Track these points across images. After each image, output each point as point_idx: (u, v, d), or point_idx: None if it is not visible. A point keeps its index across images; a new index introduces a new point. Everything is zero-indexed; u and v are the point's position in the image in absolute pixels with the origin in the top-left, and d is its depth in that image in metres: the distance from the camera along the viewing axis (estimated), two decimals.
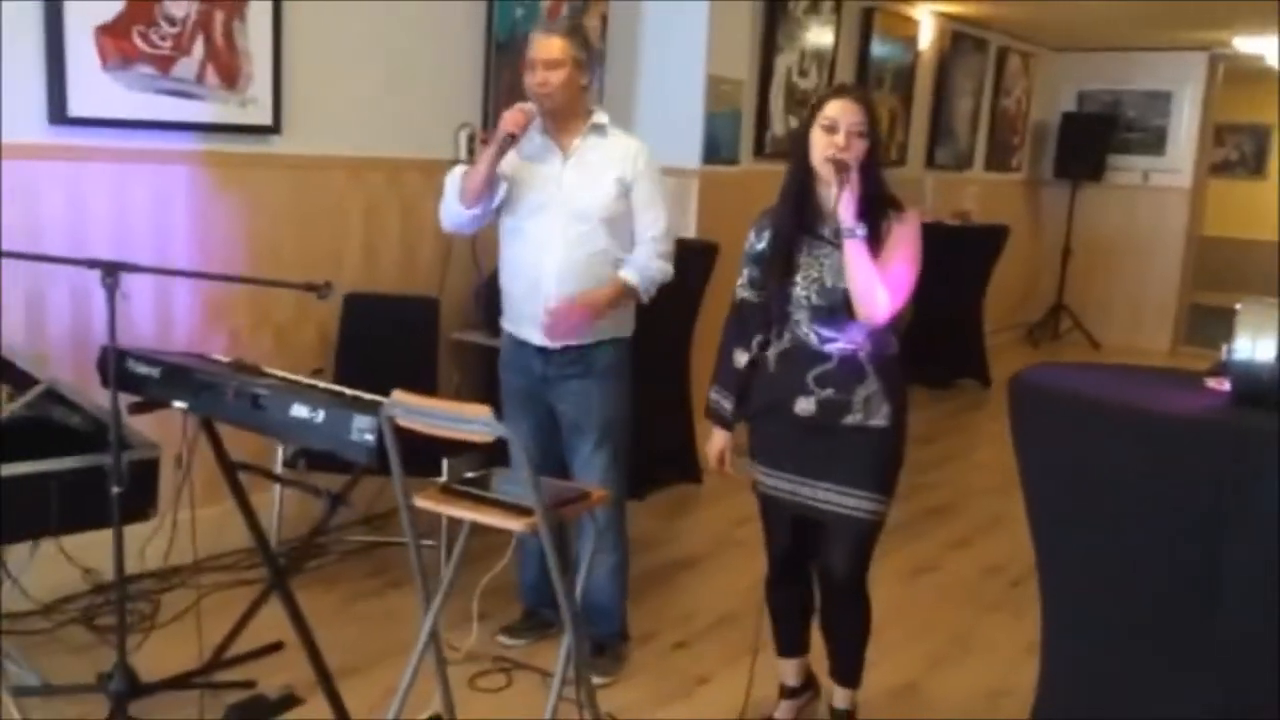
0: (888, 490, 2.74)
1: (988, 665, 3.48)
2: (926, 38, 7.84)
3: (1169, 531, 1.99)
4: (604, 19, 5.17)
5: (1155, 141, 9.54)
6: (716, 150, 5.42)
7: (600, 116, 3.25)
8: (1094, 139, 9.46)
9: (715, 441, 2.92)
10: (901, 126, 7.74)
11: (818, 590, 2.91)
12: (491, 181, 3.14)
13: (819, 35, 6.58)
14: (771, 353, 2.79)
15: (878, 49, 7.26)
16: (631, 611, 3.47)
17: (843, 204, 2.58)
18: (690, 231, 5.27)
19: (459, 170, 3.24)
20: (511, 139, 3.07)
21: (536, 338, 3.22)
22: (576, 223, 3.17)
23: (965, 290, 7.80)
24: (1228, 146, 11.91)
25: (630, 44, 5.37)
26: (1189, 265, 9.71)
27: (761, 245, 2.79)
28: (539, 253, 3.19)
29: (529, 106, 3.14)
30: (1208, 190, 10.03)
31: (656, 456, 4.88)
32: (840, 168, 2.59)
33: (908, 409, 2.77)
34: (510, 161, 3.19)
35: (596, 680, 3.07)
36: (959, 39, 8.27)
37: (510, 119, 3.09)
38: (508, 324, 3.35)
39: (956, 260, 7.67)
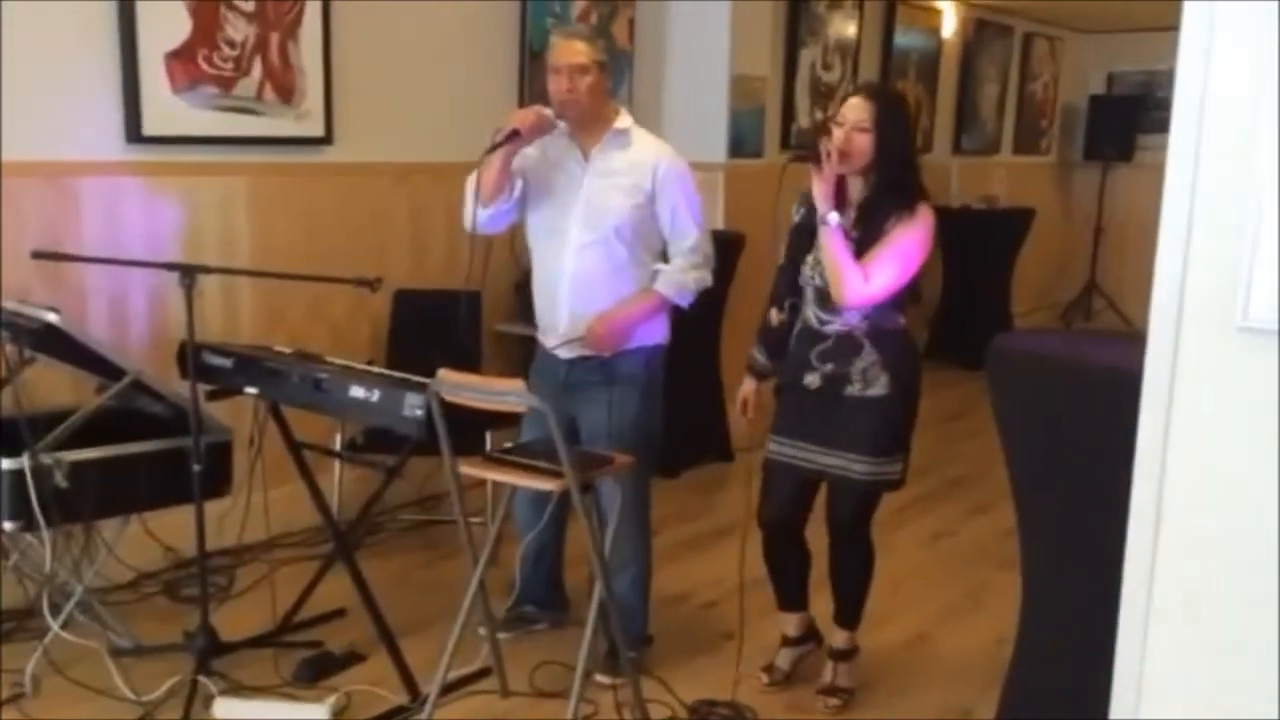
0: (890, 452, 2.98)
1: (996, 617, 3.69)
2: (950, 26, 8.01)
3: (1116, 482, 2.18)
4: (631, 22, 5.45)
5: None
6: (741, 145, 5.68)
7: (623, 121, 3.12)
8: (1123, 120, 9.52)
9: (744, 388, 3.19)
10: (927, 114, 7.92)
11: (829, 541, 3.15)
12: (504, 179, 3.05)
13: (842, 28, 6.80)
14: (794, 332, 3.07)
15: (901, 39, 7.45)
16: (667, 575, 3.73)
17: (814, 193, 2.84)
18: (718, 223, 5.54)
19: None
20: (516, 134, 2.95)
21: (560, 347, 3.20)
22: (590, 232, 3.08)
23: (992, 272, 7.97)
24: None
25: (657, 46, 5.64)
26: None
27: (797, 219, 3.07)
28: (555, 261, 3.14)
29: (547, 112, 3.02)
30: None
31: (690, 437, 5.15)
32: (806, 159, 2.83)
33: (916, 376, 3.02)
34: (535, 166, 3.15)
35: (600, 678, 3.13)
36: (983, 26, 8.43)
37: (519, 116, 2.99)
38: (538, 330, 3.34)
39: (983, 243, 7.87)
